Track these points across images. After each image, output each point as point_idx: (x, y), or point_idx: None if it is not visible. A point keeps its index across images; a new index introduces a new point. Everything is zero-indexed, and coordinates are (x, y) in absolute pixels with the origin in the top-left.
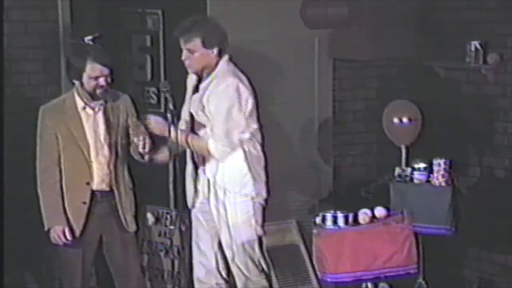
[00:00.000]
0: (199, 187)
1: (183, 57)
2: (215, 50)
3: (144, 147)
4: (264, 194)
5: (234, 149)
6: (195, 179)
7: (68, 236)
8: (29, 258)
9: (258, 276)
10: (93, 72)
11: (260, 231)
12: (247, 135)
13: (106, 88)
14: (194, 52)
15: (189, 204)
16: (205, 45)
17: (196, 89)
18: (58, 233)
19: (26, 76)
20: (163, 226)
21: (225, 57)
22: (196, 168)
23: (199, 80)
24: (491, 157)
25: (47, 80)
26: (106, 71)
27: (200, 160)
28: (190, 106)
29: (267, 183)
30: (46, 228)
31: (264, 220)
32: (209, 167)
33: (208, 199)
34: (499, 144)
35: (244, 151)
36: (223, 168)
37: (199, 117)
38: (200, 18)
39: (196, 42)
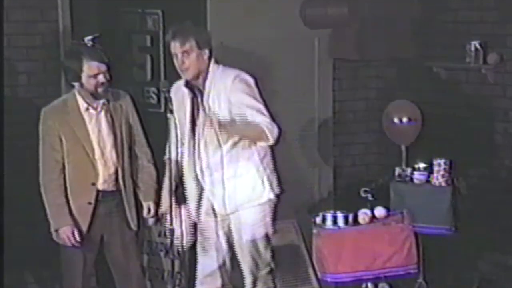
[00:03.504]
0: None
1: (178, 63)
2: (207, 52)
3: (148, 213)
4: (277, 191)
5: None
6: (199, 197)
7: (77, 237)
8: (29, 258)
9: (266, 276)
10: (91, 70)
11: (271, 229)
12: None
13: (107, 85)
14: (190, 54)
15: (195, 219)
16: (199, 45)
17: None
18: (67, 234)
19: (26, 76)
20: (163, 226)
21: (213, 59)
22: (198, 186)
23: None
24: (491, 157)
25: (47, 80)
26: (103, 67)
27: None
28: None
29: (278, 179)
30: (53, 229)
31: (275, 218)
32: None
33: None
34: (499, 144)
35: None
36: (242, 183)
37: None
38: (188, 22)
39: (192, 43)
